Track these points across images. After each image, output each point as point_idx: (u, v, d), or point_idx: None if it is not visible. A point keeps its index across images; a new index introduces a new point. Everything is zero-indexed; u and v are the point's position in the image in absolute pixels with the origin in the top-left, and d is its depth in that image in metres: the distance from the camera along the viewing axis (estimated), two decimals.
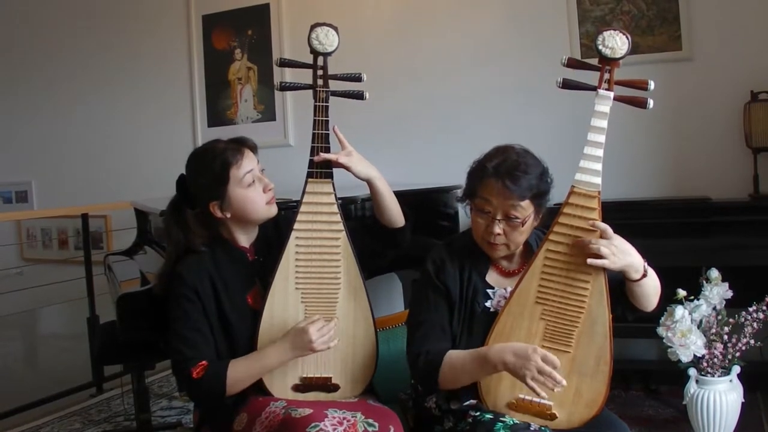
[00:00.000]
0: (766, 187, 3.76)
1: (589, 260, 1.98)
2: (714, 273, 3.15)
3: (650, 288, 2.08)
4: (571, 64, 2.11)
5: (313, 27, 2.32)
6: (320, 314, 2.26)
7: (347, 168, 2.32)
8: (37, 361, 6.17)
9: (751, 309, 3.07)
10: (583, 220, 2.04)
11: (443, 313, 2.17)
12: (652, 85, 2.06)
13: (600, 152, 2.05)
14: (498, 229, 2.10)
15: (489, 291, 2.19)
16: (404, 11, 4.64)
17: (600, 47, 2.07)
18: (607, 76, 2.08)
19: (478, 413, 2.07)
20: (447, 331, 2.16)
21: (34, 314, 5.77)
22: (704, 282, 3.14)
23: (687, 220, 3.63)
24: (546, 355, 1.95)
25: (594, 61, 2.11)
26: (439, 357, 2.08)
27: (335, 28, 2.33)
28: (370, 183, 2.38)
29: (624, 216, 3.69)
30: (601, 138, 2.05)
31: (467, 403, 2.12)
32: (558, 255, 2.06)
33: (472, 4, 4.45)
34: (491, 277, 2.22)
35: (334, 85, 2.35)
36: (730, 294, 3.11)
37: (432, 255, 2.24)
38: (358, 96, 2.39)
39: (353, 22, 4.62)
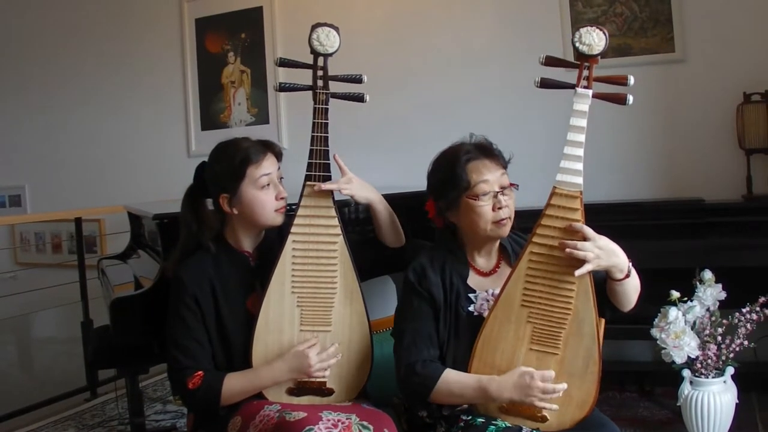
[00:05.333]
0: (760, 188, 3.77)
1: (577, 272, 1.98)
2: (707, 274, 3.15)
3: (631, 288, 2.09)
4: (549, 62, 2.08)
5: (314, 27, 2.31)
6: (316, 319, 2.26)
7: (350, 196, 2.33)
8: (31, 366, 6.15)
9: (744, 310, 3.07)
10: (566, 221, 2.02)
11: (429, 321, 2.16)
12: (631, 80, 2.05)
13: (580, 152, 2.02)
14: (505, 201, 2.15)
15: (471, 295, 2.19)
16: (397, 14, 4.64)
17: (577, 44, 2.05)
18: (586, 73, 2.06)
19: (469, 417, 2.08)
20: (434, 339, 2.16)
21: (28, 318, 5.74)
22: (698, 283, 3.15)
23: (680, 221, 3.63)
24: (543, 375, 2.01)
25: None
26: (434, 377, 2.07)
27: (336, 29, 2.32)
28: (370, 206, 2.39)
29: (618, 218, 3.69)
30: (581, 137, 2.03)
31: (459, 408, 2.12)
32: (542, 257, 2.04)
33: (464, 7, 4.46)
34: (472, 279, 2.22)
35: (334, 87, 2.35)
36: (723, 295, 3.12)
37: (412, 264, 2.24)
38: (359, 98, 2.39)
39: (346, 24, 4.55)
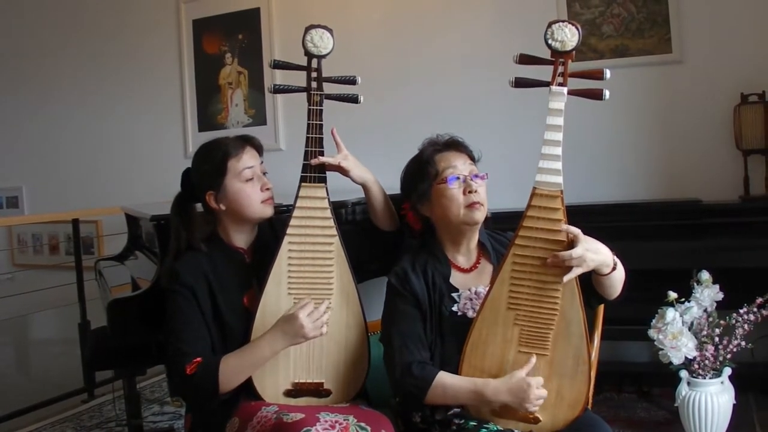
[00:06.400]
0: (757, 188, 3.78)
1: (565, 278, 1.99)
2: (705, 275, 3.15)
3: (617, 279, 2.10)
4: (524, 60, 2.07)
5: (307, 29, 2.31)
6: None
7: (345, 171, 2.33)
8: (29, 367, 6.15)
9: (742, 311, 3.07)
10: (548, 222, 2.02)
11: (416, 322, 2.17)
12: (608, 74, 2.03)
13: (558, 150, 2.02)
14: (475, 186, 2.17)
15: (454, 295, 2.20)
16: (395, 15, 4.64)
17: (549, 41, 2.04)
18: (561, 69, 2.05)
19: (462, 421, 2.08)
20: (424, 340, 2.16)
21: (26, 320, 5.74)
22: (695, 284, 3.15)
23: (678, 222, 3.63)
24: (538, 381, 2.02)
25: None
26: (429, 379, 2.07)
27: (330, 31, 2.32)
28: (365, 187, 2.39)
29: (615, 218, 3.70)
30: (558, 136, 2.01)
31: (451, 412, 2.12)
32: (526, 259, 2.04)
33: (462, 8, 4.46)
34: (454, 278, 2.23)
35: (328, 88, 2.35)
36: (721, 296, 3.12)
37: (393, 269, 2.25)
38: (353, 99, 2.38)
39: (344, 25, 4.61)
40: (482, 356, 2.08)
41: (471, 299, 2.19)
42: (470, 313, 2.16)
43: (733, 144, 3.79)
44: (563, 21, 2.05)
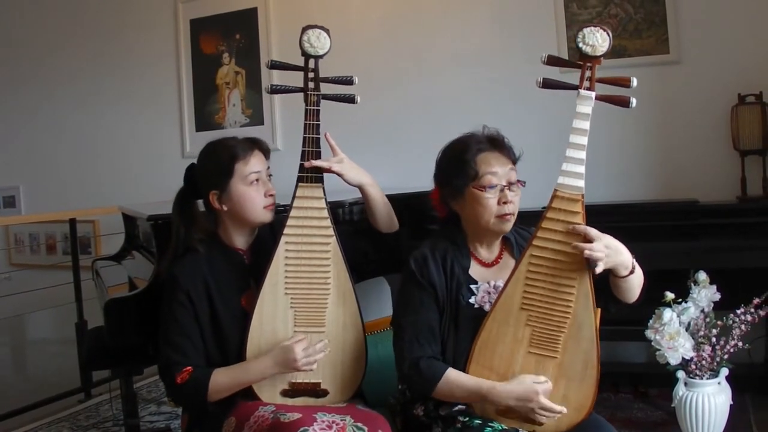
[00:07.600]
0: (754, 189, 3.78)
1: (597, 269, 1.96)
2: (702, 275, 3.15)
3: (635, 282, 2.09)
4: (551, 61, 2.07)
5: (304, 29, 2.31)
6: (309, 320, 2.26)
7: (340, 175, 2.32)
8: (26, 367, 6.14)
9: (739, 311, 3.07)
10: (567, 225, 2.01)
11: (431, 312, 2.15)
12: (634, 82, 2.03)
13: (583, 154, 2.02)
14: (511, 196, 2.13)
15: (473, 286, 2.19)
16: (393, 14, 4.64)
17: (580, 45, 2.03)
18: (588, 74, 2.05)
19: (467, 418, 2.08)
20: (436, 332, 2.15)
21: (22, 320, 5.74)
22: (692, 284, 3.15)
23: (675, 222, 3.63)
24: (546, 391, 2.00)
25: None
26: (437, 376, 2.07)
27: (327, 31, 2.32)
28: (362, 189, 2.38)
29: (613, 219, 3.68)
30: (584, 140, 2.02)
31: (456, 408, 2.11)
32: (542, 260, 2.04)
33: (460, 7, 4.46)
34: (474, 270, 2.22)
35: (325, 89, 2.34)
36: (718, 296, 3.11)
37: (413, 254, 2.23)
38: (350, 99, 2.38)
39: (341, 25, 4.61)
40: (491, 355, 2.08)
41: (489, 293, 2.18)
42: (487, 307, 2.15)
43: (730, 144, 3.79)
44: (595, 25, 2.04)
